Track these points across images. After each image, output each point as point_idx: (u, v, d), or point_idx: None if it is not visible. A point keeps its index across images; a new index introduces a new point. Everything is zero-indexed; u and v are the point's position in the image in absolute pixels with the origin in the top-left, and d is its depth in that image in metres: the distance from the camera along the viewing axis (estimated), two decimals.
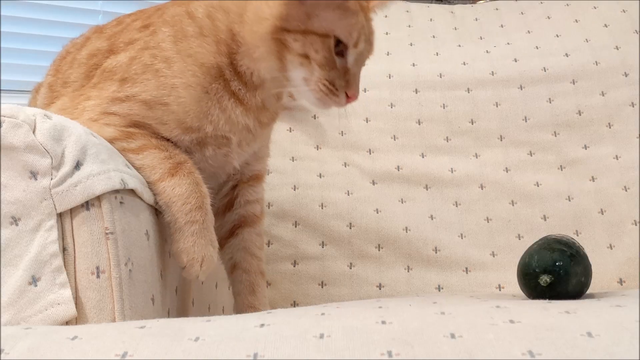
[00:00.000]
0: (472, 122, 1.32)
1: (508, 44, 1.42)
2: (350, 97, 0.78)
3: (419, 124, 1.32)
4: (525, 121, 1.31)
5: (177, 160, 0.75)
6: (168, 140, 0.77)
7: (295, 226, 1.19)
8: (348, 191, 1.24)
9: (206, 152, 0.80)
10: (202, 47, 0.78)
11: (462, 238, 1.20)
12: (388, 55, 1.41)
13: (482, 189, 1.26)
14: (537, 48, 1.39)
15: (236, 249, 0.89)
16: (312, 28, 0.74)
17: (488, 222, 1.22)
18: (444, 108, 1.33)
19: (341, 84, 0.77)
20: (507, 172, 1.27)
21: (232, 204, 0.91)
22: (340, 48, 0.76)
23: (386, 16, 1.51)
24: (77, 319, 0.59)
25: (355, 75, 0.80)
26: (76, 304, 0.59)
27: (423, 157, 1.29)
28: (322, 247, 1.18)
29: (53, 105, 0.83)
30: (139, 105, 0.76)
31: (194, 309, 0.90)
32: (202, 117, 0.77)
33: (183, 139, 0.77)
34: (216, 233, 0.77)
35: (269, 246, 1.17)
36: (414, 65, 1.39)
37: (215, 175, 0.86)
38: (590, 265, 0.80)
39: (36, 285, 0.58)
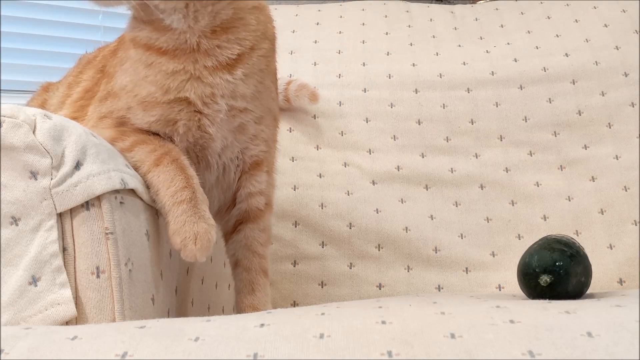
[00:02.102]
0: (472, 122, 1.32)
1: (508, 44, 1.42)
2: None
3: (419, 124, 1.32)
4: (525, 121, 1.31)
5: (162, 151, 0.75)
6: (156, 133, 0.77)
7: (295, 226, 1.19)
8: (348, 191, 1.24)
9: (180, 130, 0.77)
10: (132, 26, 0.78)
11: (462, 238, 1.20)
12: (388, 55, 1.41)
13: (482, 189, 1.26)
14: (537, 48, 1.39)
15: (238, 246, 0.88)
16: None
17: (488, 222, 1.22)
18: (444, 108, 1.33)
19: None
20: (507, 172, 1.27)
21: (235, 197, 0.88)
22: None
23: (386, 16, 1.52)
24: (77, 319, 0.59)
25: None
26: (76, 304, 0.59)
27: (423, 157, 1.29)
28: (322, 247, 1.18)
29: (65, 103, 0.84)
30: (112, 99, 0.77)
31: (194, 309, 0.90)
32: (146, 83, 0.76)
33: (150, 121, 0.76)
34: (221, 229, 0.76)
35: None
36: (414, 65, 1.39)
37: (210, 166, 0.83)
38: (590, 265, 0.80)
39: (36, 285, 0.58)
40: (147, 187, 0.74)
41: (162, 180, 0.73)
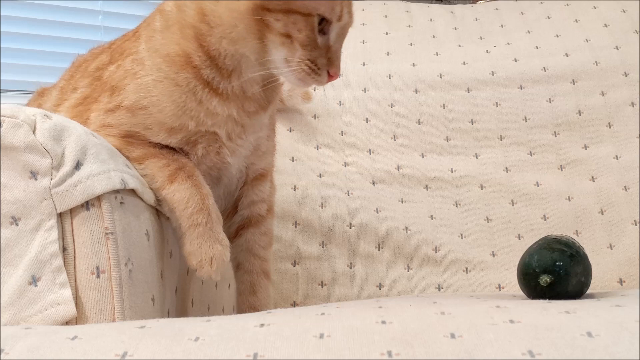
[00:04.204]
0: (472, 122, 1.32)
1: (508, 44, 1.42)
2: (332, 76, 0.75)
3: (419, 124, 1.32)
4: (525, 121, 1.31)
5: (175, 166, 0.74)
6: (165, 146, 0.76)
7: (295, 226, 1.19)
8: (348, 191, 1.24)
9: (198, 153, 0.78)
10: (165, 38, 0.76)
11: (462, 238, 1.20)
12: (388, 55, 1.41)
13: (482, 189, 1.26)
14: (537, 48, 1.39)
15: (239, 250, 0.89)
16: (294, 7, 0.70)
17: (488, 222, 1.22)
18: (444, 108, 1.33)
19: (323, 62, 0.73)
20: (507, 172, 1.27)
21: (237, 205, 0.90)
22: (322, 25, 0.73)
23: (386, 16, 1.51)
24: (77, 319, 0.59)
25: (337, 51, 0.76)
26: (76, 304, 0.59)
27: (423, 157, 1.29)
28: (322, 247, 1.18)
29: (60, 107, 0.83)
30: (124, 113, 0.75)
31: (194, 309, 0.90)
32: (180, 113, 0.74)
33: (170, 141, 0.76)
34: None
35: None
36: (414, 65, 1.39)
37: (220, 181, 0.85)
38: (590, 265, 0.80)
39: (36, 285, 0.58)
40: (159, 201, 0.74)
41: (178, 200, 0.73)
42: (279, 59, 0.73)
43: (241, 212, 0.90)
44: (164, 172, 0.74)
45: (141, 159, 0.74)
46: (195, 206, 0.73)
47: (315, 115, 1.32)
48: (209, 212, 0.74)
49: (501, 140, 1.30)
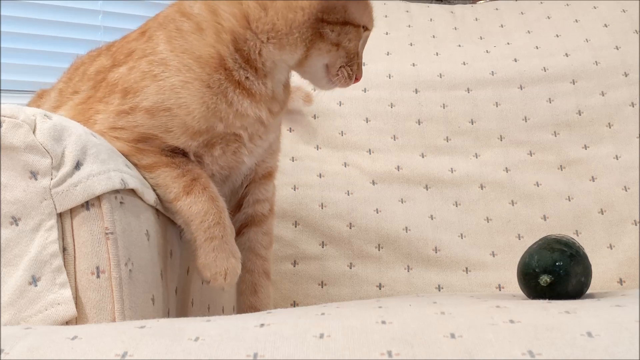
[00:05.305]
0: (472, 122, 1.32)
1: (508, 44, 1.42)
2: (357, 80, 0.83)
3: (419, 124, 1.32)
4: (525, 121, 1.31)
5: (190, 177, 0.74)
6: (177, 151, 0.76)
7: (295, 226, 1.19)
8: (348, 191, 1.24)
9: (214, 153, 0.78)
10: (199, 40, 0.76)
11: (462, 238, 1.20)
12: (388, 55, 1.41)
13: (482, 189, 1.26)
14: (537, 48, 1.39)
15: (241, 249, 0.87)
16: (350, 19, 0.78)
17: (488, 222, 1.22)
18: (444, 108, 1.33)
19: (355, 68, 0.81)
20: (507, 172, 1.27)
21: (242, 203, 0.90)
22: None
23: (386, 16, 1.51)
24: (77, 319, 0.59)
25: (361, 57, 0.84)
26: (76, 304, 0.59)
27: (423, 157, 1.29)
28: (322, 247, 1.18)
29: (60, 108, 0.83)
30: (142, 115, 0.74)
31: (194, 309, 0.90)
32: (210, 115, 0.75)
33: (190, 144, 0.76)
34: None
35: None
36: (414, 65, 1.39)
37: (228, 179, 0.85)
38: (590, 265, 0.80)
39: (36, 285, 0.58)
40: (171, 212, 0.74)
41: (195, 213, 0.73)
42: (320, 66, 0.80)
43: (245, 210, 0.90)
44: (179, 183, 0.74)
45: (151, 167, 0.74)
46: (212, 220, 0.74)
47: (315, 115, 1.32)
48: (225, 225, 0.75)
49: (501, 140, 1.30)
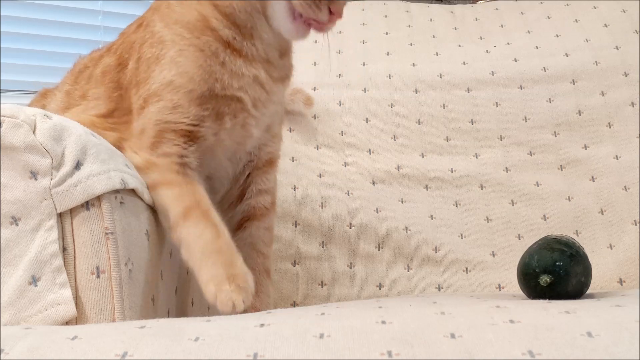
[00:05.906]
0: (472, 122, 1.32)
1: (508, 44, 1.42)
2: (333, 14, 0.74)
3: (419, 124, 1.32)
4: (525, 121, 1.31)
5: (190, 200, 0.73)
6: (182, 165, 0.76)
7: (295, 226, 1.19)
8: (348, 191, 1.24)
9: (225, 125, 0.78)
10: (184, 7, 0.78)
11: (462, 238, 1.20)
12: (388, 55, 1.41)
13: (482, 189, 1.26)
14: (537, 48, 1.39)
15: (243, 244, 0.87)
16: None
17: (488, 222, 1.22)
18: (444, 108, 1.33)
19: None
20: (507, 172, 1.27)
21: (244, 193, 0.89)
22: None
23: (386, 16, 1.51)
24: (77, 319, 0.59)
25: None
26: (76, 304, 0.59)
27: (423, 157, 1.29)
28: (322, 247, 1.18)
29: (70, 110, 0.83)
30: (152, 100, 0.75)
31: (194, 309, 0.90)
32: (207, 76, 0.75)
33: (202, 115, 0.75)
34: (226, 225, 0.76)
35: None
36: (414, 65, 1.39)
37: (234, 158, 0.84)
38: (590, 265, 0.80)
39: (36, 285, 0.58)
40: (171, 237, 0.73)
41: (194, 238, 0.70)
42: (281, 3, 0.74)
43: (248, 200, 0.89)
44: (178, 205, 0.72)
45: (154, 184, 0.73)
46: (212, 248, 0.71)
47: (315, 116, 1.32)
48: (224, 253, 0.72)
49: (501, 140, 1.30)
